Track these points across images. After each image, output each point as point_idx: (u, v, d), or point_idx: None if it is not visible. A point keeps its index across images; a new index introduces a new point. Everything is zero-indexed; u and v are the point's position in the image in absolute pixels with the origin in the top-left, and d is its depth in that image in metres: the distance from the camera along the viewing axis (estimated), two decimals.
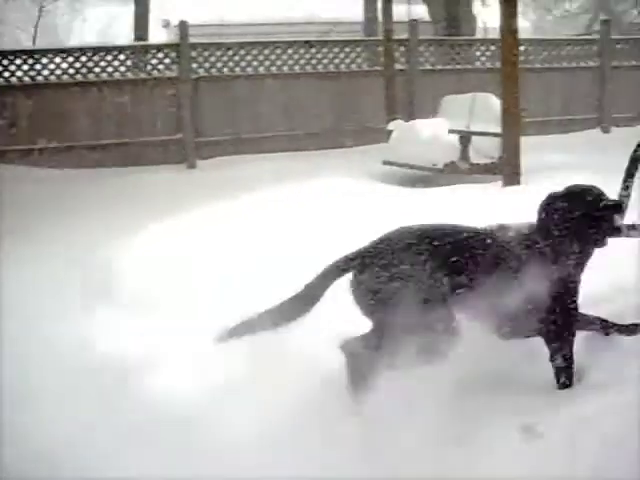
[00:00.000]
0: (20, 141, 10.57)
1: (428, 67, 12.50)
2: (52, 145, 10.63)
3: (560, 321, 3.05)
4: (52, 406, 3.30)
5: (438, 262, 2.91)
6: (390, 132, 9.47)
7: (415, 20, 12.63)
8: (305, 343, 3.22)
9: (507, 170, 7.30)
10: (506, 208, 5.71)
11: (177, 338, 3.85)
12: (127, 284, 4.72)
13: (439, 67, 12.58)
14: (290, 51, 11.96)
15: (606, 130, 12.98)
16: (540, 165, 8.02)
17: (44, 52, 11.28)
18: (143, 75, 11.42)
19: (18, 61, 10.84)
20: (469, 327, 3.22)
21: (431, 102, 10.58)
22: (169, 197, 7.60)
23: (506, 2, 7.12)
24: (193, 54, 11.37)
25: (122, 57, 11.33)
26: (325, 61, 12.12)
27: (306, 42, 12.32)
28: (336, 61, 12.18)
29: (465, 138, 8.27)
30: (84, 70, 11.07)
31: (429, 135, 8.52)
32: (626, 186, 3.32)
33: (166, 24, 20.31)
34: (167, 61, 11.39)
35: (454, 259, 2.94)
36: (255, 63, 11.79)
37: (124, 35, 20.98)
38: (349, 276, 3.06)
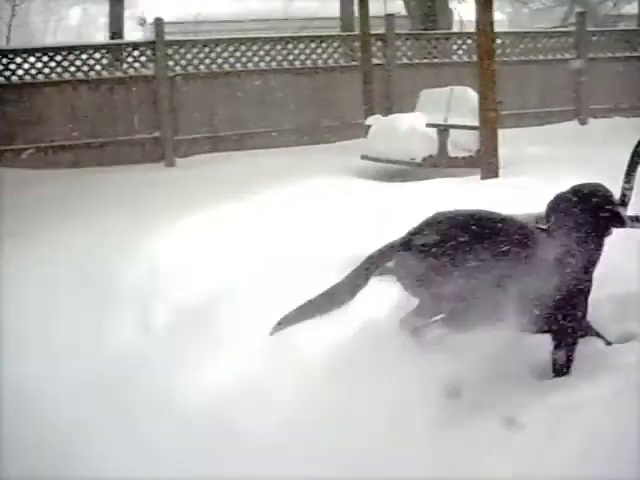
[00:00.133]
0: None
1: (405, 61, 12.48)
2: (27, 146, 10.52)
3: (575, 314, 3.15)
4: (53, 408, 3.32)
5: (481, 246, 3.04)
6: (368, 127, 9.44)
7: (392, 15, 12.61)
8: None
9: (485, 163, 7.31)
10: (485, 201, 5.72)
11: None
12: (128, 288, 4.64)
13: (416, 61, 12.56)
14: (267, 47, 11.90)
15: (583, 122, 13.02)
16: (518, 157, 8.06)
17: (18, 51, 11.17)
18: (119, 74, 11.31)
19: None
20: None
21: (409, 96, 10.56)
22: (153, 197, 7.52)
23: None
24: (169, 52, 11.29)
25: (97, 56, 11.23)
26: (302, 57, 12.08)
27: (283, 38, 12.28)
28: (313, 57, 12.14)
29: (443, 132, 8.27)
30: (59, 69, 10.95)
31: (407, 129, 8.51)
32: (628, 179, 3.42)
33: (142, 22, 20.23)
34: (143, 59, 11.29)
35: (497, 244, 3.06)
36: (232, 60, 11.72)
37: (100, 34, 20.85)
38: None
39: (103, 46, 11.83)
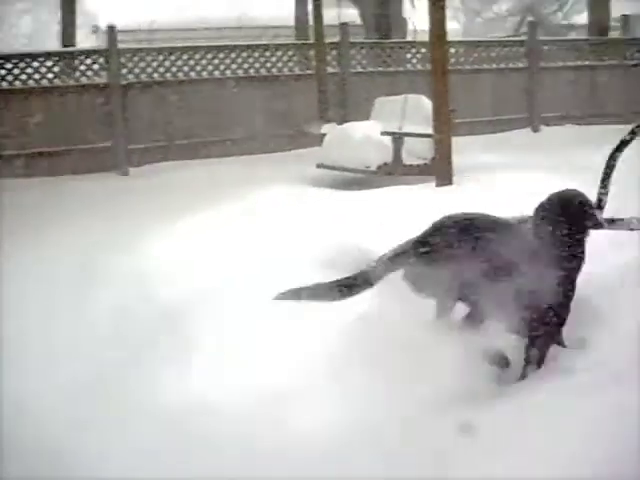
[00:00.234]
0: None
1: (360, 70, 12.52)
2: None
3: (562, 313, 3.34)
4: (53, 407, 3.30)
5: (488, 248, 3.26)
6: (323, 135, 9.44)
7: (346, 23, 12.65)
8: None
9: (439, 170, 7.36)
10: (440, 208, 5.75)
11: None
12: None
13: (371, 70, 12.61)
14: (221, 55, 11.85)
15: (536, 129, 13.20)
16: (472, 165, 8.12)
17: None
18: (72, 82, 11.16)
19: None
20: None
21: (364, 104, 10.59)
22: (110, 206, 7.47)
23: (434, 6, 7.17)
24: (122, 60, 11.15)
25: (49, 64, 11.07)
26: (257, 65, 12.05)
27: (237, 46, 12.23)
28: (268, 65, 12.12)
29: (398, 139, 8.30)
30: (10, 77, 10.78)
31: (362, 137, 8.52)
32: (604, 185, 3.62)
33: (95, 30, 19.99)
34: (96, 67, 11.17)
35: (502, 246, 3.25)
36: (186, 68, 11.64)
37: (52, 42, 20.56)
38: None
39: (55, 54, 11.65)
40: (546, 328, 3.31)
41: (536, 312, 3.25)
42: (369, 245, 4.45)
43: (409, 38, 16.41)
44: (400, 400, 3.08)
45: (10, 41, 27.75)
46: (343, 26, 12.48)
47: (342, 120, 11.03)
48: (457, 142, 7.86)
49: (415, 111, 8.68)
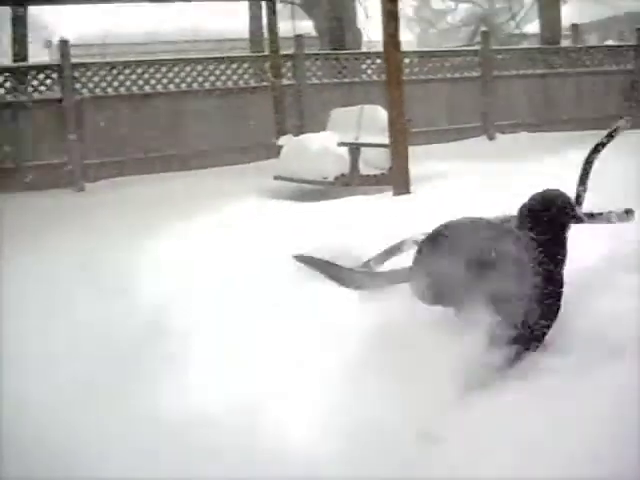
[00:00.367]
0: None
1: (316, 81, 12.54)
2: None
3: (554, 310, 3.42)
4: (53, 407, 3.26)
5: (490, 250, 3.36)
6: (280, 147, 9.42)
7: (301, 35, 12.69)
8: None
9: (397, 180, 7.38)
10: (398, 217, 5.80)
11: None
12: None
13: (326, 81, 12.64)
14: (176, 69, 11.78)
15: (491, 137, 13.35)
16: (429, 174, 8.16)
17: None
18: (24, 97, 10.99)
19: None
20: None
21: (320, 115, 10.61)
22: (69, 223, 7.37)
23: (388, 17, 7.21)
24: (75, 74, 11.02)
25: (0, 79, 10.91)
26: (212, 78, 12.00)
27: (192, 59, 12.20)
28: (223, 78, 12.07)
29: (354, 150, 8.31)
30: None
31: (318, 148, 8.52)
32: (582, 182, 3.78)
33: (48, 44, 19.83)
34: (48, 82, 11.02)
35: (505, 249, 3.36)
36: (141, 82, 11.54)
37: (2, 57, 20.30)
38: None
39: (6, 69, 11.46)
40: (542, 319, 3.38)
41: (532, 305, 3.33)
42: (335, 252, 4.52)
43: (364, 49, 16.61)
44: (403, 401, 3.07)
45: None
46: (298, 38, 12.52)
47: (299, 132, 11.05)
48: (414, 151, 7.89)
49: (371, 121, 8.72)
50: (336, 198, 7.48)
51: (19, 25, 13.72)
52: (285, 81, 11.85)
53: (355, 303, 4.04)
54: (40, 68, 11.25)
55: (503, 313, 3.26)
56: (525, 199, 3.63)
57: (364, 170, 8.41)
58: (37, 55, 18.91)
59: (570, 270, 3.52)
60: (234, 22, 18.66)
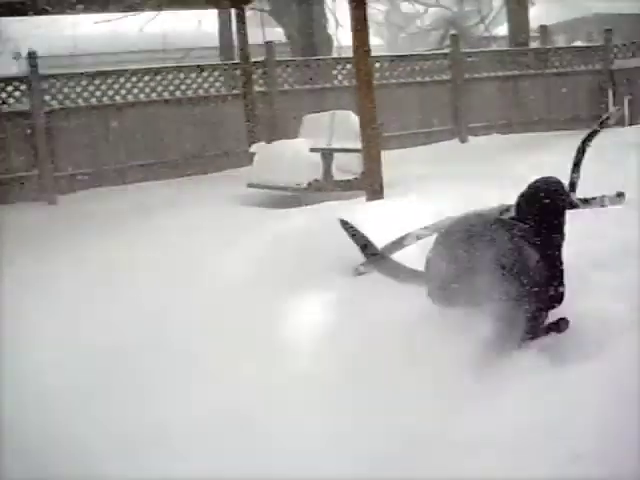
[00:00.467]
0: None
1: (287, 88, 12.53)
2: None
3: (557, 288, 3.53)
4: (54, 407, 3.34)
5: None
6: (253, 155, 9.40)
7: (271, 42, 12.68)
8: None
9: (370, 185, 7.36)
10: (371, 222, 5.79)
11: None
12: None
13: (298, 87, 12.63)
14: (146, 79, 11.72)
15: (463, 140, 13.39)
16: (402, 178, 8.18)
17: None
18: None
19: None
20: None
21: (292, 122, 10.62)
22: (43, 237, 7.32)
23: (357, 22, 7.20)
24: (45, 86, 10.94)
25: None
26: (183, 87, 11.96)
27: (163, 68, 12.13)
28: (194, 86, 12.03)
29: (327, 156, 8.31)
30: None
31: (291, 155, 8.50)
32: (576, 170, 3.94)
33: (16, 56, 19.65)
34: (17, 94, 10.91)
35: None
36: (111, 92, 11.47)
37: None
38: None
39: None
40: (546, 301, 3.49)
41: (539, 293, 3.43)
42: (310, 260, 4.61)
43: (334, 55, 16.63)
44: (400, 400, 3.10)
45: None
46: (268, 45, 12.50)
47: (271, 139, 11.03)
48: (387, 156, 7.89)
49: (343, 127, 8.73)
50: (309, 204, 7.48)
51: None
52: (256, 88, 11.82)
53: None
54: (8, 80, 11.13)
55: (512, 303, 3.33)
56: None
57: (337, 175, 8.41)
58: (5, 68, 18.79)
59: None
60: (204, 30, 18.62)
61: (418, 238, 4.51)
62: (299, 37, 15.38)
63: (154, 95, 11.77)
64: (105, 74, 11.54)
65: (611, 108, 13.55)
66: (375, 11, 29.57)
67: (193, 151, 11.66)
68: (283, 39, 16.74)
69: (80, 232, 7.32)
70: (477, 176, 7.78)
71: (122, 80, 11.55)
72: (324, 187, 8.32)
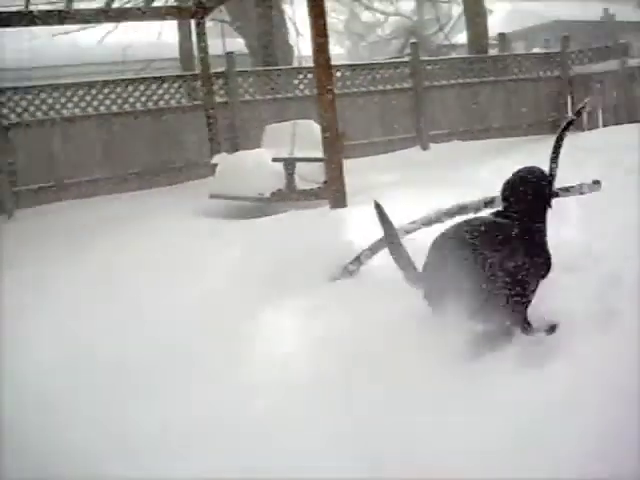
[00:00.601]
0: None
1: (248, 98, 12.50)
2: None
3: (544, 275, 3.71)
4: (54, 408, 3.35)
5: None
6: (215, 165, 9.35)
7: (232, 52, 12.65)
8: None
9: (333, 193, 7.37)
10: (335, 229, 5.82)
11: None
12: None
13: (259, 97, 12.61)
14: (106, 90, 11.61)
15: (425, 147, 13.47)
16: (365, 185, 8.19)
17: None
18: None
19: None
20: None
21: (254, 132, 10.60)
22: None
23: (317, 31, 7.21)
24: (2, 99, 10.82)
25: None
26: (143, 99, 11.87)
27: (123, 80, 12.02)
28: (154, 98, 11.95)
29: (289, 165, 8.29)
30: None
31: (253, 165, 8.47)
32: (554, 159, 3.99)
33: None
34: None
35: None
36: (70, 105, 11.35)
37: None
38: None
39: None
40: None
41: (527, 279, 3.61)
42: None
43: (295, 64, 16.66)
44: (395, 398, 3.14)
45: None
46: (229, 55, 12.47)
47: (233, 149, 11.02)
48: (349, 164, 7.92)
49: (305, 136, 8.73)
50: (272, 214, 7.47)
51: None
52: (217, 99, 11.79)
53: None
54: None
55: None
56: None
57: (300, 185, 8.40)
58: None
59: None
60: (164, 42, 18.53)
61: (407, 232, 4.59)
62: (260, 47, 15.36)
63: (114, 107, 11.67)
64: (64, 87, 11.40)
65: (569, 114, 13.75)
66: (335, 20, 29.79)
67: (155, 163, 11.59)
68: (244, 49, 16.73)
69: (39, 246, 7.25)
70: (439, 182, 7.84)
71: (81, 92, 11.43)
72: (287, 197, 8.31)
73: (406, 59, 14.53)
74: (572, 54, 15.21)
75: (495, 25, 21.44)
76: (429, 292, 3.69)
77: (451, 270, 3.49)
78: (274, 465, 2.78)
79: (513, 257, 3.55)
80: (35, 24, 10.46)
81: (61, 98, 11.29)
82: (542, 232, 3.74)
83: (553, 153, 4.09)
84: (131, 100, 11.80)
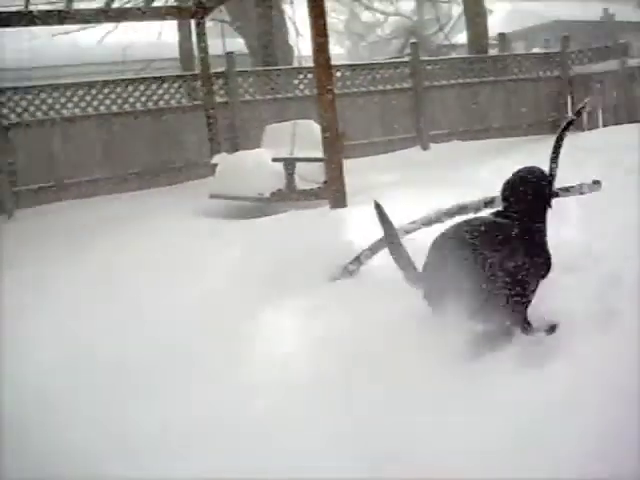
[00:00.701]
0: None
1: (248, 98, 12.49)
2: None
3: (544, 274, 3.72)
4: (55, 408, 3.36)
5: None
6: (215, 166, 9.35)
7: (232, 52, 12.64)
8: None
9: (333, 193, 7.37)
10: (335, 229, 5.82)
11: None
12: None
13: (259, 97, 12.60)
14: (106, 90, 11.60)
15: (425, 147, 13.46)
16: (365, 186, 8.19)
17: None
18: None
19: None
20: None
21: (254, 132, 10.60)
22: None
23: (317, 31, 7.21)
24: (2, 99, 10.81)
25: None
26: (143, 99, 11.86)
27: (123, 80, 12.02)
28: (154, 98, 11.95)
29: (289, 165, 8.29)
30: None
31: (253, 165, 8.46)
32: (554, 159, 4.02)
33: None
34: None
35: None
36: (70, 105, 11.33)
37: None
38: None
39: None
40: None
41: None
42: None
43: (295, 64, 16.65)
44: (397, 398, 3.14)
45: None
46: (229, 55, 12.47)
47: (233, 149, 11.01)
48: (349, 164, 7.91)
49: (305, 136, 8.73)
50: (272, 214, 7.47)
51: None
52: (218, 99, 11.79)
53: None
54: None
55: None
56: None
57: (300, 185, 8.39)
58: None
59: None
60: (164, 42, 18.53)
61: (407, 232, 4.61)
62: (259, 47, 15.36)
63: (114, 107, 11.66)
64: (64, 87, 11.40)
65: (570, 114, 13.76)
66: (335, 20, 29.78)
67: (155, 163, 11.59)
68: (244, 49, 16.73)
69: (39, 246, 7.25)
70: (439, 182, 7.83)
71: (81, 92, 11.42)
72: (287, 197, 8.30)
73: (406, 59, 14.53)
74: (572, 54, 15.21)
75: (495, 25, 21.43)
76: (429, 292, 3.69)
77: (451, 270, 3.49)
78: (274, 465, 2.78)
79: (513, 257, 3.55)
80: (35, 24, 10.45)
81: (61, 98, 11.28)
82: (542, 232, 3.74)
83: (553, 153, 4.11)
84: (131, 100, 11.80)
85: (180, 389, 3.49)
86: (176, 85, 12.21)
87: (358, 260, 4.92)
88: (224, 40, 19.29)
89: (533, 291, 3.64)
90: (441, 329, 3.46)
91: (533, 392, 2.97)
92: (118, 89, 11.74)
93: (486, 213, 4.08)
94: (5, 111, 10.86)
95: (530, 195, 3.76)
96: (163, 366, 3.71)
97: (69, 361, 3.87)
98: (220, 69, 12.19)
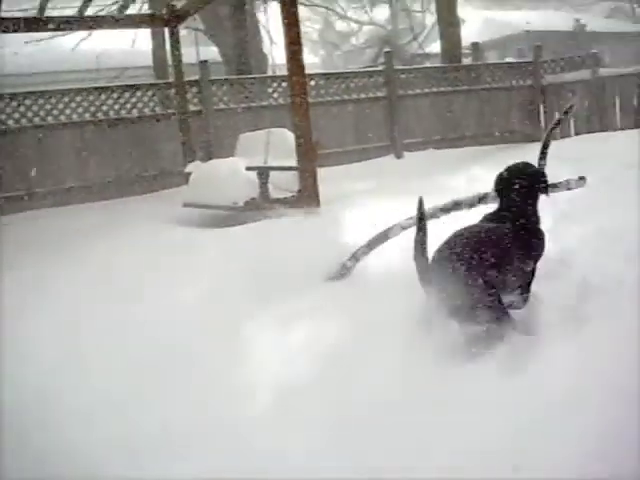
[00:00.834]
0: None
1: (222, 106, 12.46)
2: None
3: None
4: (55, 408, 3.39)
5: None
6: (189, 174, 9.30)
7: (205, 61, 12.61)
8: None
9: (307, 202, 7.36)
10: (310, 238, 5.81)
11: None
12: None
13: (233, 106, 12.57)
14: (79, 98, 11.52)
15: (399, 156, 13.50)
16: (339, 194, 8.21)
17: None
18: None
19: None
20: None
21: (228, 141, 10.56)
22: None
23: (291, 41, 7.21)
24: None
25: None
26: (117, 107, 11.79)
27: (96, 88, 11.94)
28: (128, 106, 11.88)
29: (263, 174, 8.26)
30: None
31: (227, 174, 8.42)
32: (542, 158, 4.27)
33: None
34: None
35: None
36: (42, 113, 11.24)
37: None
38: None
39: None
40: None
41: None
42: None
43: (270, 73, 16.66)
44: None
45: None
46: (202, 64, 12.43)
47: (207, 158, 10.97)
48: (323, 173, 7.91)
49: (279, 145, 8.70)
50: (246, 223, 7.44)
51: None
52: (192, 107, 11.74)
53: None
54: None
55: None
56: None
57: (274, 193, 8.36)
58: None
59: None
60: (138, 49, 18.47)
61: (403, 228, 4.74)
62: (234, 55, 15.36)
63: (87, 115, 11.58)
64: (36, 94, 11.31)
65: (542, 123, 13.91)
66: (310, 29, 29.86)
67: (129, 171, 11.53)
68: (218, 58, 16.72)
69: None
70: (413, 190, 7.82)
71: (53, 100, 11.33)
72: (261, 205, 8.25)
73: (380, 68, 14.59)
74: (544, 63, 15.34)
75: (469, 35, 21.59)
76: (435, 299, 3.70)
77: (453, 282, 3.53)
78: (274, 465, 2.81)
79: (513, 257, 3.70)
80: (6, 31, 10.35)
81: (33, 106, 11.18)
82: (536, 215, 3.90)
83: (541, 152, 4.36)
84: (104, 108, 11.72)
85: (180, 389, 3.51)
86: (150, 93, 12.15)
87: (345, 266, 5.06)
88: (198, 48, 19.28)
89: (533, 270, 3.83)
90: (436, 330, 3.51)
91: (533, 392, 2.99)
92: (91, 97, 11.65)
93: (480, 212, 4.16)
94: None
95: (523, 183, 3.89)
96: (163, 366, 3.72)
97: (69, 361, 3.89)
98: (194, 77, 12.15)
